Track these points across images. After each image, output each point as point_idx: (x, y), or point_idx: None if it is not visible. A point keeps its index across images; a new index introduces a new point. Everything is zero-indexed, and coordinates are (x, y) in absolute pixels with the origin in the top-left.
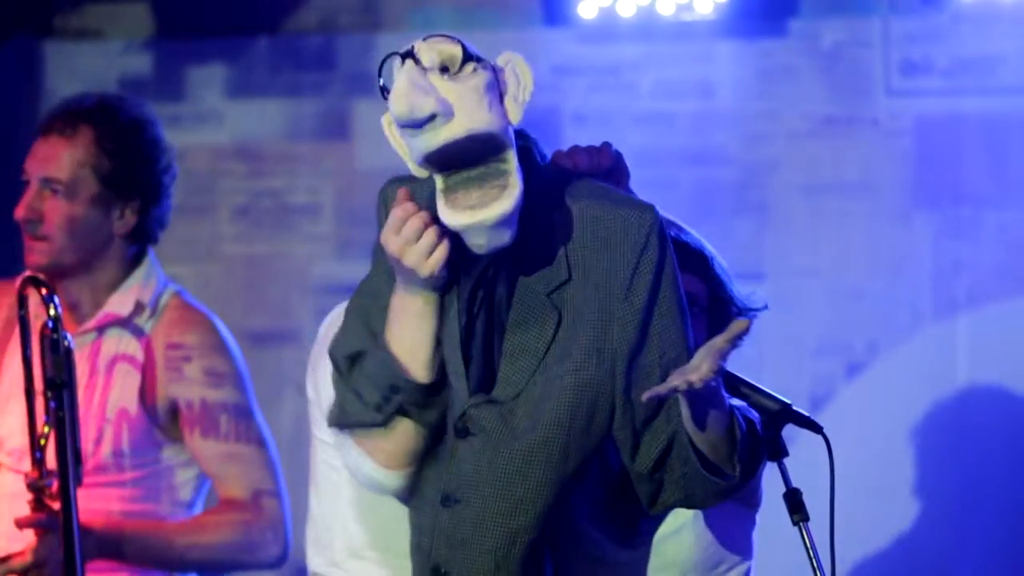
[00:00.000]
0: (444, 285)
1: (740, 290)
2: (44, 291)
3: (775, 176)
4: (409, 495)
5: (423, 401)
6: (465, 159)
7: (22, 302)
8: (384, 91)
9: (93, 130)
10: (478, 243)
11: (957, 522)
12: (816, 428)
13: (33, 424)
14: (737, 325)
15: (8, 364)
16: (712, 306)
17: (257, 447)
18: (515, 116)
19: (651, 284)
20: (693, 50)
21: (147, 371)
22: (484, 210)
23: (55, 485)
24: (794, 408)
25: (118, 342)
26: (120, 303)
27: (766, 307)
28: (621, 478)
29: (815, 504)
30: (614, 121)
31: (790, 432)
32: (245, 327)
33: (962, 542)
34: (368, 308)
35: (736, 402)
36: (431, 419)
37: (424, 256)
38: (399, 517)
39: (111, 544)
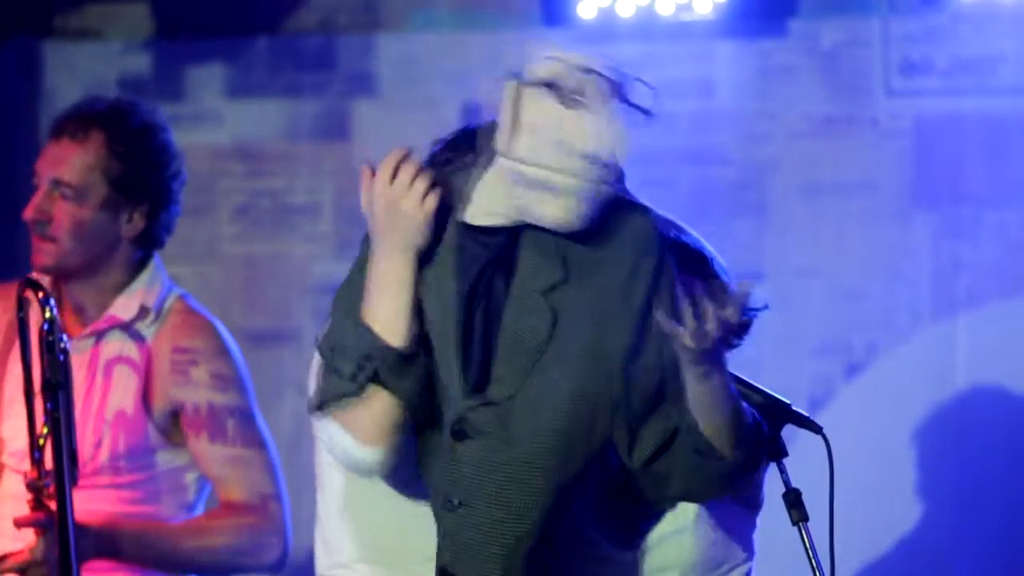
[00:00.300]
0: (426, 245)
1: None
2: (41, 294)
3: (774, 176)
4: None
5: (398, 368)
6: None
7: (21, 304)
8: (538, 77)
9: (104, 134)
10: (571, 205)
11: (956, 522)
12: (815, 428)
13: (32, 425)
14: (743, 285)
15: (12, 367)
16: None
17: (259, 450)
18: None
19: (648, 286)
20: (692, 50)
21: (149, 374)
22: (594, 177)
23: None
24: (793, 408)
25: (121, 345)
26: (124, 307)
27: (766, 307)
28: (621, 479)
29: (814, 504)
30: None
31: (789, 432)
32: (245, 327)
33: (961, 542)
34: (354, 301)
35: None
36: (407, 390)
37: (419, 200)
38: (402, 519)
39: (109, 543)
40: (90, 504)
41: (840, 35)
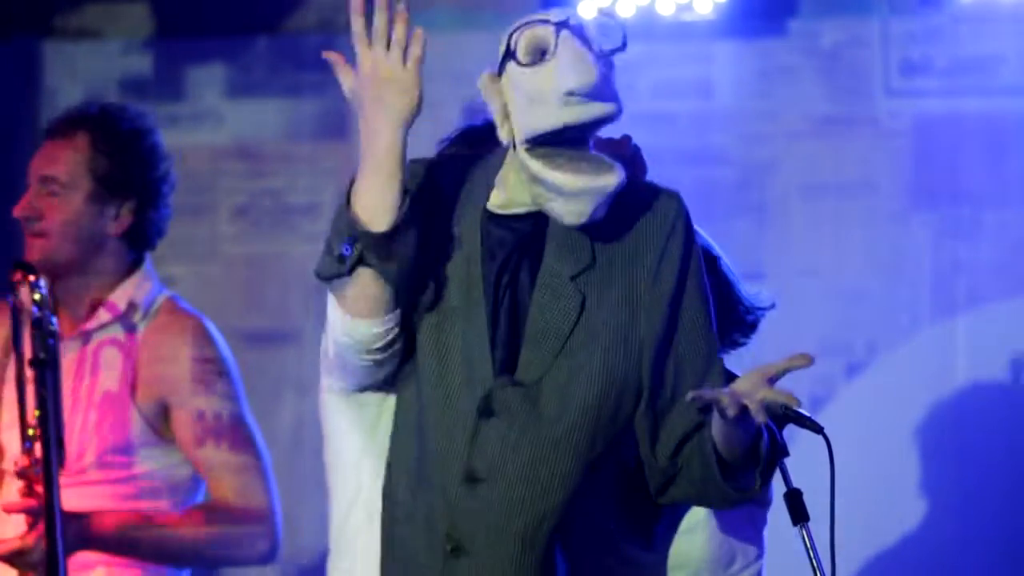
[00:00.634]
0: (417, 112)
1: (747, 290)
2: (32, 277)
3: (774, 176)
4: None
5: (382, 251)
6: (583, 139)
7: (13, 287)
8: (509, 52)
9: (90, 133)
10: (580, 210)
11: (957, 521)
12: (816, 428)
13: (24, 412)
14: (799, 360)
15: (11, 379)
16: (719, 306)
17: (246, 447)
18: None
19: (678, 270)
20: (692, 50)
21: (138, 371)
22: (601, 177)
23: None
24: (794, 408)
25: (110, 342)
26: (113, 305)
27: (773, 306)
28: (636, 476)
29: (815, 504)
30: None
31: (790, 432)
32: (244, 327)
33: (962, 542)
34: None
35: None
36: (391, 271)
37: (401, 55)
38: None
39: (93, 532)
40: (84, 501)
41: (840, 35)
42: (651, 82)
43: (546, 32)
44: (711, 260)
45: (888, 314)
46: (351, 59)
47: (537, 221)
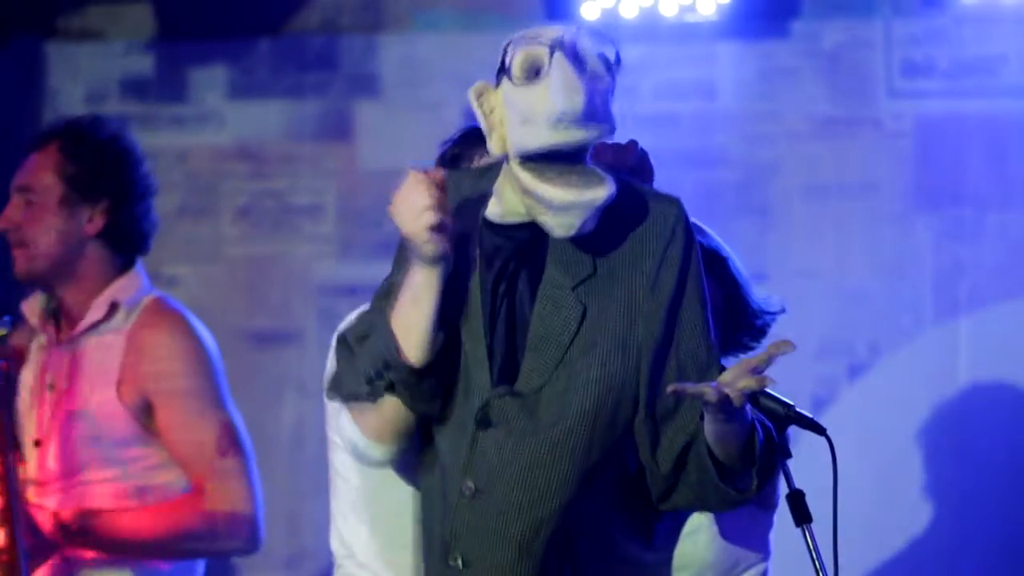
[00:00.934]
0: (441, 260)
1: (757, 293)
2: None
3: (776, 177)
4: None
5: (412, 384)
6: (575, 156)
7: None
8: (504, 67)
9: (60, 141)
10: (569, 223)
11: (959, 523)
12: (819, 430)
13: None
14: (780, 346)
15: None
16: (727, 309)
17: (226, 436)
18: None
19: (677, 278)
20: (695, 51)
21: (123, 370)
22: (590, 191)
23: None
24: (797, 409)
25: (97, 343)
26: (98, 307)
27: (783, 310)
28: (638, 479)
29: (817, 505)
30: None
31: (792, 434)
32: (247, 328)
33: (964, 543)
34: (387, 298)
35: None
36: (420, 405)
37: (415, 217)
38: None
39: (68, 526)
40: (82, 501)
41: (842, 36)
42: (653, 83)
43: (540, 52)
44: (720, 261)
45: (890, 315)
46: (353, 60)
47: (535, 229)
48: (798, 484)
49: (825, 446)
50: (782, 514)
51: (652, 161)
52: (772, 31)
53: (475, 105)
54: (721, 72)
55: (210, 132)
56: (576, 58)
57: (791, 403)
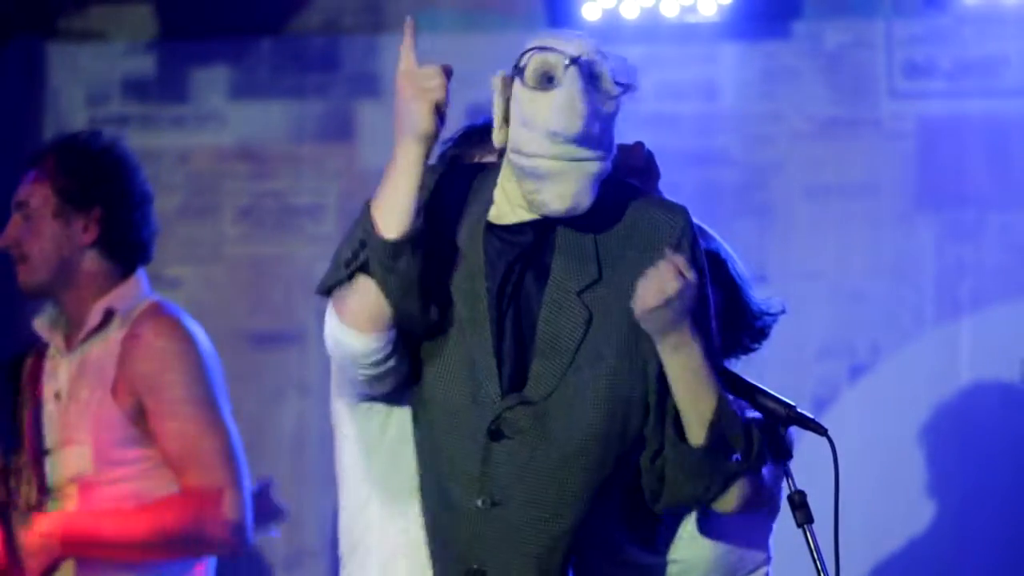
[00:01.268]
0: (427, 138)
1: (757, 295)
2: None
3: (778, 178)
4: (427, 501)
5: (386, 261)
6: None
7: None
8: (518, 67)
9: (55, 155)
10: (561, 192)
11: (960, 523)
12: (820, 430)
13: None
14: (669, 259)
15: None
16: (728, 310)
17: (216, 436)
18: None
19: None
20: (697, 52)
21: (118, 374)
22: (582, 161)
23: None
24: (798, 410)
25: (96, 350)
26: (95, 315)
27: (783, 311)
28: (638, 483)
29: (819, 506)
30: (617, 122)
31: (793, 434)
32: (248, 328)
33: (965, 543)
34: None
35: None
36: (391, 285)
37: (422, 87)
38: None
39: (55, 531)
40: (88, 505)
41: (844, 37)
42: (655, 83)
43: (557, 61)
44: (721, 263)
45: (891, 316)
46: (355, 60)
47: (539, 231)
48: (799, 484)
49: (826, 447)
50: (783, 514)
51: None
52: (773, 31)
53: (497, 90)
54: (722, 73)
55: (211, 132)
56: (590, 76)
57: (792, 403)
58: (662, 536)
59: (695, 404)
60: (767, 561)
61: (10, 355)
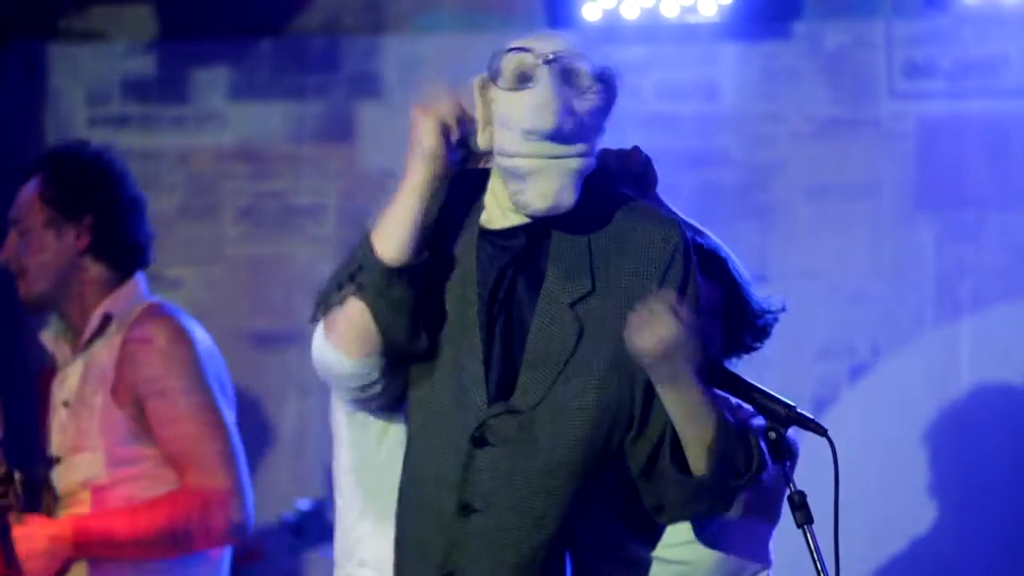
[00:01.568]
0: (435, 159)
1: (757, 293)
2: None
3: (778, 178)
4: (403, 501)
5: (381, 285)
6: None
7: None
8: (493, 69)
9: (45, 169)
10: (543, 190)
11: (960, 524)
12: (820, 430)
13: None
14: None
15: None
16: (728, 309)
17: (213, 434)
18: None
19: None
20: (697, 52)
21: (117, 376)
22: (564, 158)
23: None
24: (798, 410)
25: (96, 355)
26: (93, 321)
27: (784, 309)
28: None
29: (819, 506)
30: (618, 123)
31: (794, 435)
32: (248, 328)
33: (965, 543)
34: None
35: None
36: (386, 320)
37: (428, 107)
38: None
39: (54, 535)
40: (98, 506)
41: (844, 37)
42: (655, 84)
43: (530, 62)
44: (720, 262)
45: (892, 316)
46: (355, 61)
47: (531, 236)
48: (799, 485)
49: (826, 447)
50: (783, 515)
51: (653, 162)
52: (773, 32)
53: (476, 95)
54: (722, 73)
55: (211, 133)
56: (565, 73)
57: (792, 404)
58: (662, 537)
59: (693, 430)
60: (766, 567)
61: (39, 369)
